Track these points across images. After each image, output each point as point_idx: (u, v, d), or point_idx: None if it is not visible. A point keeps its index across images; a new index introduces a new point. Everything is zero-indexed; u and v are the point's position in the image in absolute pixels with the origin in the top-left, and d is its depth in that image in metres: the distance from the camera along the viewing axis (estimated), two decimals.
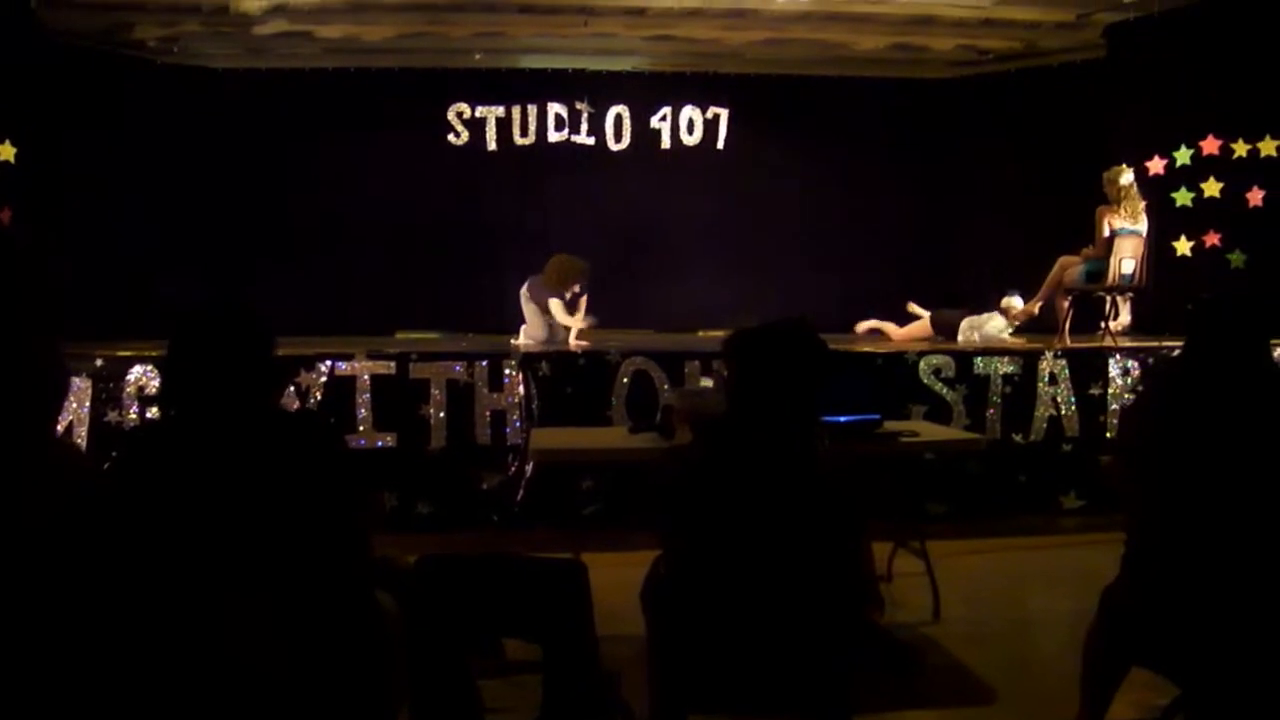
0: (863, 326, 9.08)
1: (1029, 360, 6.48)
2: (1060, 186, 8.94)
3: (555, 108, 10.46)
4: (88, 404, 5.83)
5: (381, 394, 6.04)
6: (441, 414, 6.07)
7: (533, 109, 10.46)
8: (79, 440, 5.69)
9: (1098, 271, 7.47)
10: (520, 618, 2.87)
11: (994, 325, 8.11)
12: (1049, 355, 6.50)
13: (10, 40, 7.86)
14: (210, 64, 9.95)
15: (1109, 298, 7.66)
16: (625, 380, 6.14)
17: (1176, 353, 6.35)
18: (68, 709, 2.07)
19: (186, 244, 9.40)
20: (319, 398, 6.03)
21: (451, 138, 10.38)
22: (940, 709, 3.55)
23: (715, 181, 10.47)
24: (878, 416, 4.43)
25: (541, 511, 5.95)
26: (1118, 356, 6.55)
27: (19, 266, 7.49)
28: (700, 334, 9.01)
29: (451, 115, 10.35)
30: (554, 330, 7.78)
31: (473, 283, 9.99)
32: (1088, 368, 6.50)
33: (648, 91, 10.58)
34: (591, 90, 10.49)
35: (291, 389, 5.94)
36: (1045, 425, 6.42)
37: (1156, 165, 8.50)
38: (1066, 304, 7.79)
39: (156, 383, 5.76)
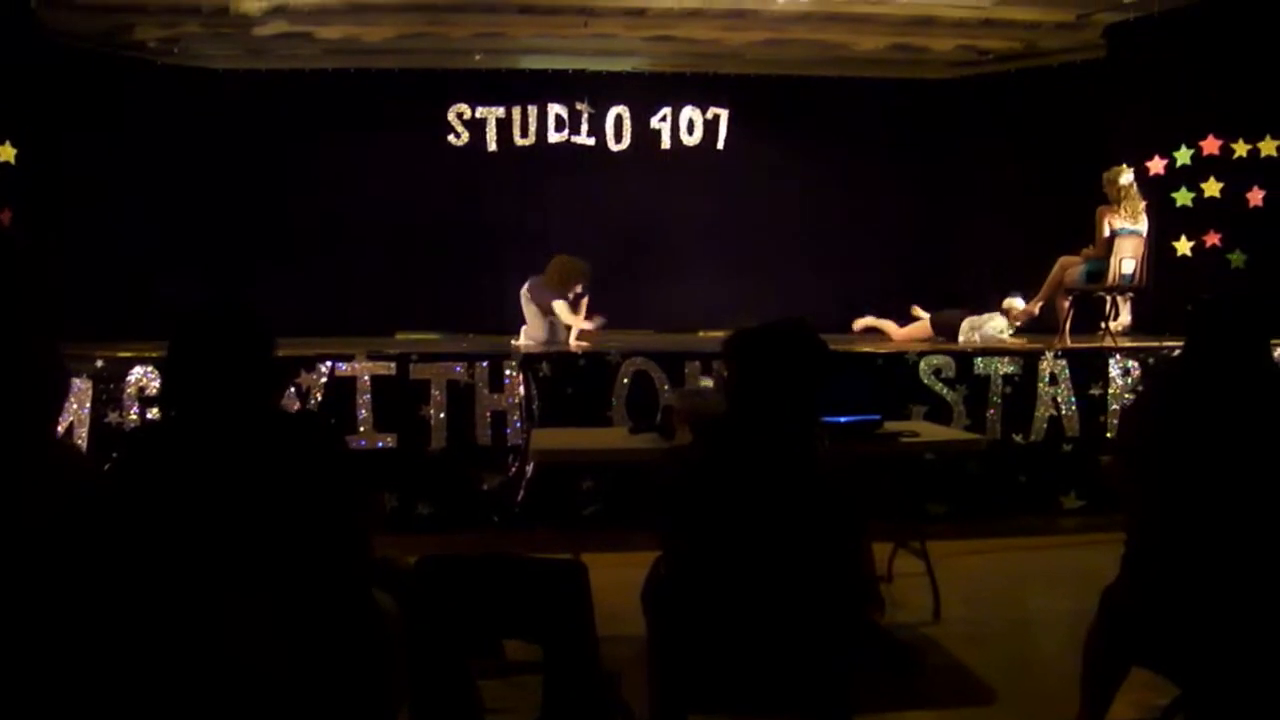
0: (860, 324, 9.06)
1: (1029, 360, 6.48)
2: (1060, 187, 8.94)
3: (555, 108, 10.46)
4: (88, 405, 5.83)
5: (382, 395, 6.04)
6: (442, 415, 6.07)
7: (533, 109, 10.45)
8: (79, 441, 5.70)
9: (1098, 272, 7.48)
10: (520, 618, 2.87)
11: (994, 326, 8.11)
12: (1049, 355, 6.50)
13: (10, 41, 7.86)
14: (210, 65, 9.94)
15: (1109, 298, 7.66)
16: (625, 381, 6.14)
17: (1177, 353, 6.35)
18: (68, 709, 2.07)
19: (187, 245, 9.40)
20: (319, 398, 6.03)
21: (452, 138, 10.38)
22: (940, 709, 3.55)
23: (715, 182, 10.46)
24: (878, 417, 4.43)
25: (542, 512, 5.95)
26: (1118, 357, 6.55)
27: (19, 268, 7.53)
28: (700, 334, 9.01)
29: (452, 116, 10.35)
30: (555, 331, 7.78)
31: (473, 283, 9.99)
32: (1088, 368, 6.50)
33: (648, 92, 10.58)
34: (591, 91, 10.49)
35: (292, 390, 5.94)
36: (1045, 425, 6.42)
37: (1157, 165, 8.50)
38: (1067, 304, 7.79)
39: (157, 384, 5.75)
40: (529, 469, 5.99)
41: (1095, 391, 6.46)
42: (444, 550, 3.08)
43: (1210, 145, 8.26)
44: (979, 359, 6.46)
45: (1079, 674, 2.92)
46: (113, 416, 5.85)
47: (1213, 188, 8.27)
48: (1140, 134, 8.63)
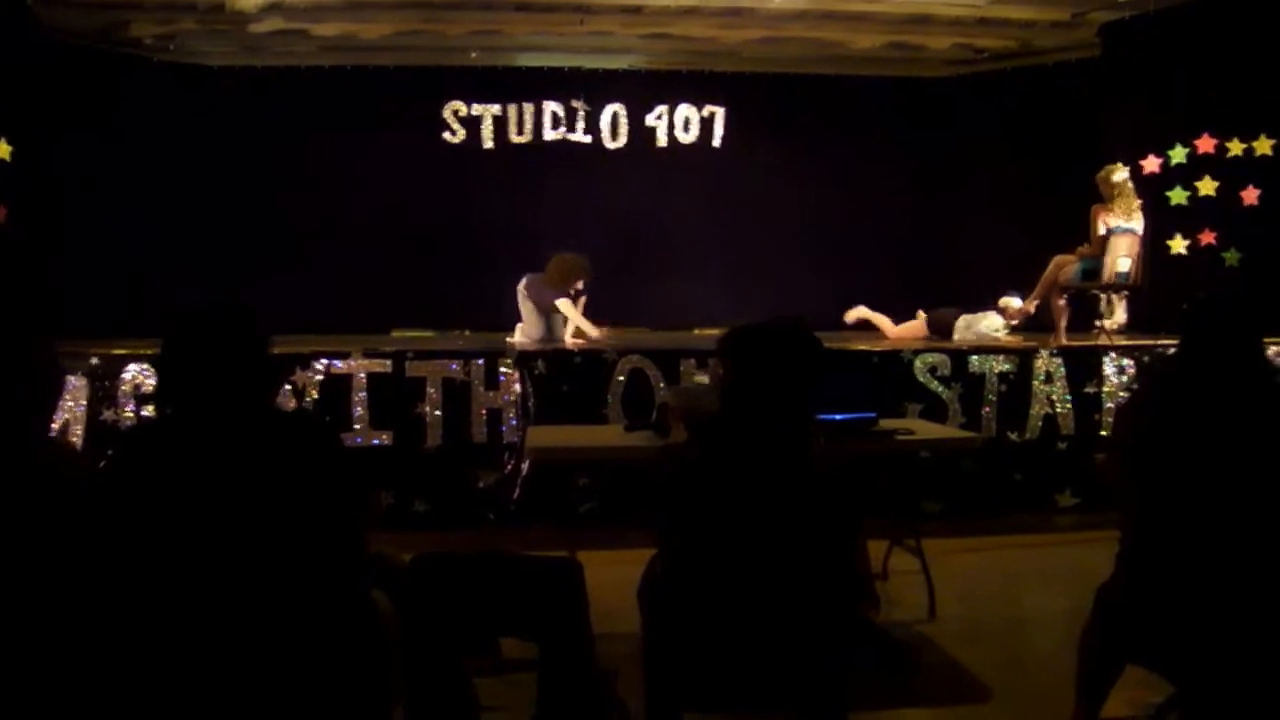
0: (853, 315, 8.99)
1: (1024, 358, 6.48)
2: (1056, 185, 8.94)
3: (551, 106, 10.47)
4: (84, 402, 5.82)
5: (378, 392, 6.04)
6: (438, 412, 6.07)
7: (529, 107, 10.46)
8: (75, 439, 5.69)
9: (1093, 270, 7.49)
10: (516, 616, 2.87)
11: (988, 324, 8.11)
12: (1044, 353, 6.51)
13: (6, 38, 7.85)
14: (206, 62, 9.94)
15: (1104, 296, 7.68)
16: (621, 378, 6.15)
17: (1172, 351, 6.36)
18: (64, 709, 2.07)
19: (182, 241, 9.39)
20: (315, 396, 6.02)
21: (447, 136, 10.38)
22: (935, 707, 3.55)
23: (711, 180, 10.47)
24: (873, 415, 4.43)
25: (537, 509, 5.95)
26: (1113, 355, 6.56)
27: (13, 264, 7.51)
28: (696, 332, 9.01)
29: (447, 113, 10.35)
30: (552, 328, 7.77)
31: (469, 281, 9.97)
32: (1083, 366, 6.51)
33: (644, 90, 10.58)
34: (588, 88, 10.49)
35: (288, 387, 5.94)
36: (1041, 423, 6.43)
37: (1152, 164, 8.51)
38: (1062, 302, 7.80)
39: (152, 381, 5.74)
40: (525, 466, 5.99)
41: (1090, 390, 6.47)
42: (440, 547, 3.09)
43: (1205, 144, 8.28)
44: (974, 357, 6.46)
45: (1074, 671, 2.92)
46: (108, 414, 5.85)
47: (1208, 186, 8.29)
48: (1135, 132, 8.64)
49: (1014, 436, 6.41)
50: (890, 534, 4.83)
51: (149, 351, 5.90)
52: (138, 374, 5.87)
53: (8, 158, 7.86)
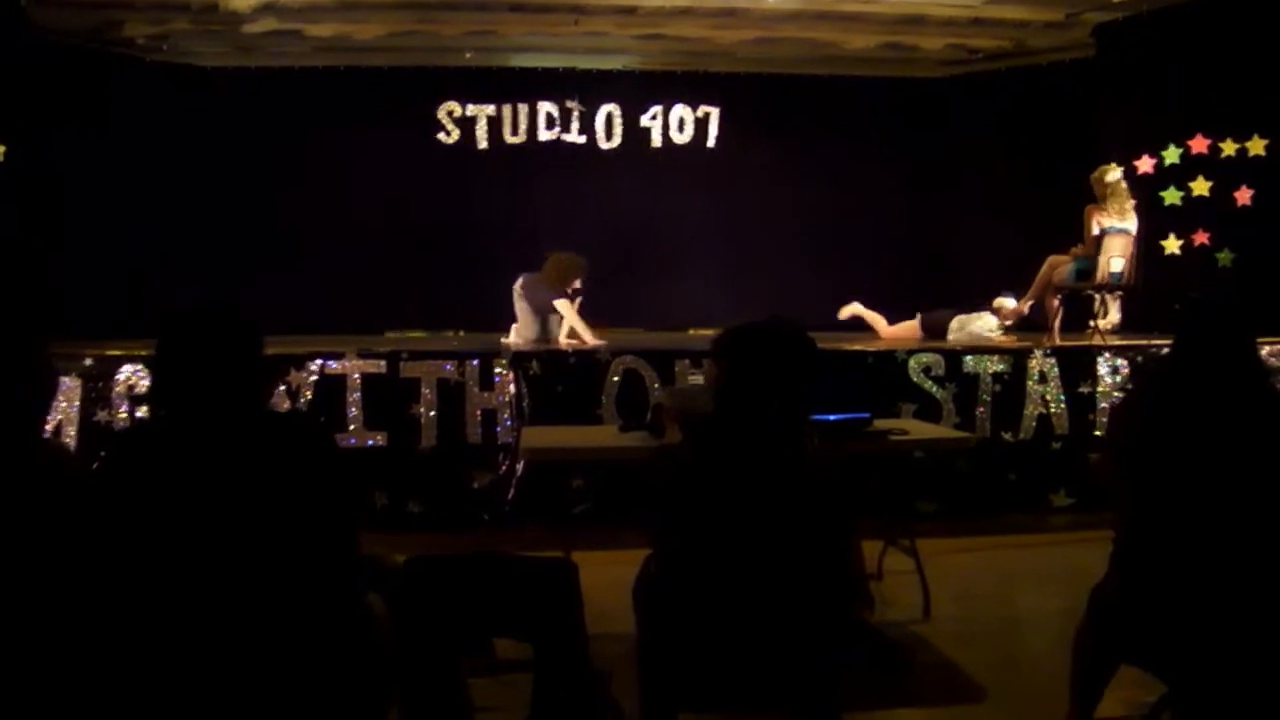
0: (847, 311, 8.99)
1: (1019, 359, 6.49)
2: (1050, 185, 8.95)
3: (546, 106, 10.46)
4: (77, 403, 5.81)
5: (372, 393, 6.03)
6: (432, 413, 6.07)
7: (523, 107, 10.46)
8: (68, 440, 5.68)
9: (1087, 270, 7.50)
10: (510, 617, 2.87)
11: (981, 324, 8.12)
12: (1039, 354, 6.52)
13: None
14: (199, 62, 9.92)
15: (1098, 296, 7.68)
16: (616, 379, 6.14)
17: (1165, 351, 6.36)
18: (61, 709, 2.07)
19: (176, 242, 9.37)
20: (309, 397, 6.01)
21: (442, 136, 10.37)
22: (930, 707, 3.56)
23: (706, 180, 10.47)
24: (867, 415, 4.42)
25: (532, 510, 5.95)
26: (1107, 355, 6.57)
27: (7, 265, 7.50)
28: (691, 332, 9.01)
29: (442, 114, 10.34)
30: (547, 329, 7.76)
31: (463, 281, 9.96)
32: (1077, 366, 6.51)
33: (638, 90, 10.58)
34: (582, 89, 10.49)
35: (282, 388, 5.93)
36: (1035, 423, 6.43)
37: (1145, 164, 8.52)
38: (1056, 303, 7.81)
39: (146, 382, 5.73)
40: (519, 467, 5.99)
41: (1084, 389, 6.48)
42: (434, 548, 3.09)
43: (1199, 144, 8.29)
44: (968, 357, 6.47)
45: (1068, 671, 2.93)
46: (102, 415, 5.84)
47: (1201, 187, 8.30)
48: (1129, 133, 8.65)
49: (1008, 436, 6.41)
50: (885, 534, 4.84)
51: (143, 352, 5.90)
52: (131, 375, 5.86)
53: (1, 158, 7.84)
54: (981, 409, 6.40)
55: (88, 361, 5.88)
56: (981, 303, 8.33)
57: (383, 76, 10.12)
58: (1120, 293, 7.90)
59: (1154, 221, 8.26)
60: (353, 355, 6.09)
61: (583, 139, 10.52)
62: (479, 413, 6.11)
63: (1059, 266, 7.80)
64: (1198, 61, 8.14)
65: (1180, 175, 8.39)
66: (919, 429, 4.94)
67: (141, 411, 5.75)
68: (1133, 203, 7.62)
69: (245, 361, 2.31)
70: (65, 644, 2.08)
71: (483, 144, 10.41)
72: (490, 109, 10.41)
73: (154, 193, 9.27)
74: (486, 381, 6.12)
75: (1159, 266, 8.30)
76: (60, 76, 8.57)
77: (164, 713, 2.08)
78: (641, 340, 8.09)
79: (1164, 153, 8.46)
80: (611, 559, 3.47)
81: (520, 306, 7.80)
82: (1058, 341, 7.25)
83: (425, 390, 6.07)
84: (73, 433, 5.78)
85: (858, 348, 6.78)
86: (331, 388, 6.01)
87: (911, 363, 6.39)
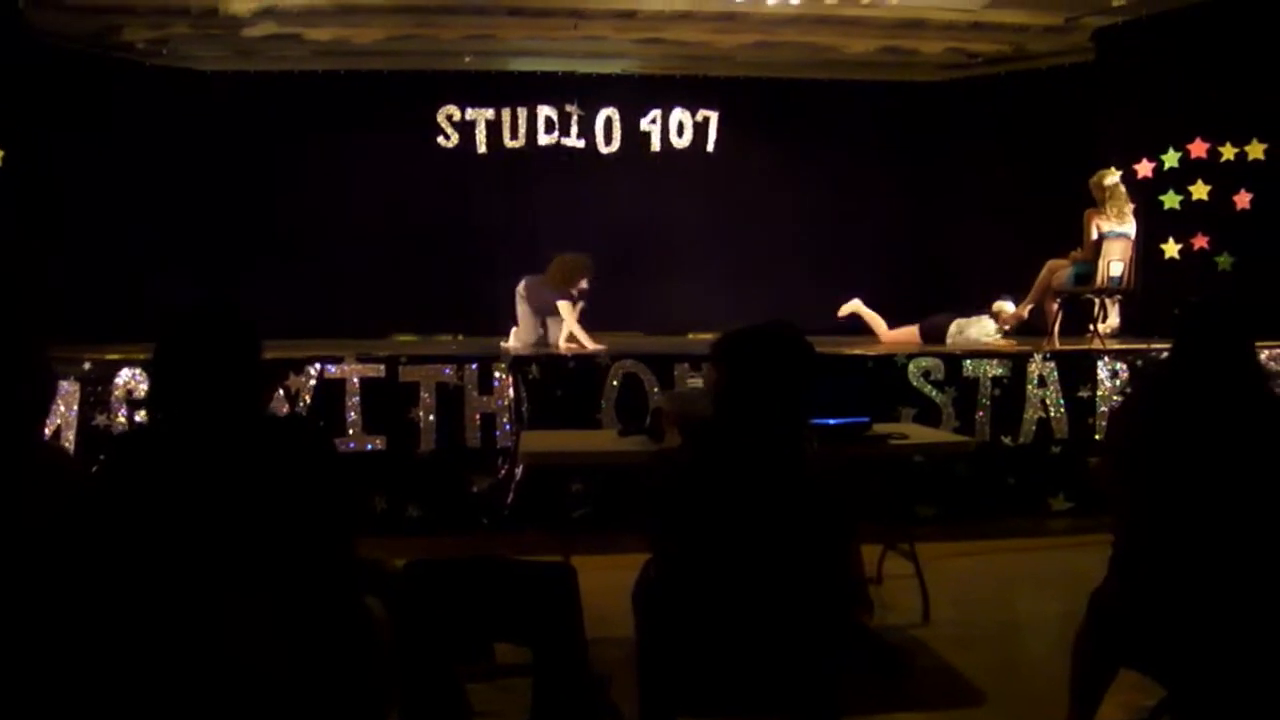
0: (847, 309, 8.96)
1: (1018, 363, 6.49)
2: (1049, 189, 8.95)
3: (545, 110, 10.46)
4: (75, 407, 5.81)
5: (371, 397, 6.03)
6: (431, 417, 6.06)
7: (523, 111, 10.45)
8: (67, 444, 5.67)
9: (1086, 274, 7.50)
10: (510, 621, 2.87)
11: (979, 329, 8.12)
12: (1038, 358, 6.52)
13: None
14: (199, 66, 9.92)
15: (1098, 300, 7.68)
16: (615, 383, 6.15)
17: (1165, 355, 6.37)
18: (60, 711, 2.07)
19: (176, 246, 9.36)
20: (308, 401, 6.01)
21: (441, 140, 10.36)
22: (929, 711, 3.55)
23: (705, 184, 10.46)
24: (867, 419, 4.42)
25: (531, 514, 5.95)
26: (1106, 359, 6.58)
27: (7, 270, 7.50)
28: (690, 336, 9.01)
29: (441, 118, 10.34)
30: (547, 332, 7.75)
31: (462, 286, 9.97)
32: (1076, 370, 6.52)
33: (637, 94, 10.58)
34: (581, 93, 10.49)
35: (281, 392, 5.93)
36: (1034, 427, 6.44)
37: (1145, 168, 8.53)
38: (1055, 307, 7.81)
39: (145, 386, 5.73)
40: (518, 471, 5.99)
41: (1084, 393, 6.48)
42: (433, 552, 3.09)
43: (1198, 148, 8.29)
44: (968, 361, 6.47)
45: (1067, 676, 2.92)
46: (100, 419, 5.83)
47: (1200, 190, 8.30)
48: (1128, 137, 8.65)
49: (1008, 441, 6.41)
50: (884, 538, 4.84)
51: (142, 356, 5.89)
52: (130, 379, 5.86)
53: (1, 162, 7.84)
54: (981, 413, 6.40)
55: (86, 366, 5.88)
56: (981, 307, 8.33)
57: (382, 80, 10.11)
58: (1119, 297, 7.90)
59: (1153, 225, 8.26)
60: (352, 359, 6.09)
61: (582, 143, 10.52)
62: (478, 417, 6.11)
63: (1058, 270, 7.81)
64: (1197, 65, 8.14)
65: (1179, 179, 8.39)
66: (918, 433, 4.95)
67: (140, 416, 5.75)
68: (1132, 207, 7.62)
69: (244, 365, 2.30)
70: (65, 647, 2.08)
71: (482, 148, 10.40)
72: (489, 113, 10.41)
73: (154, 197, 9.27)
74: (486, 385, 6.12)
75: (1158, 270, 8.30)
76: (60, 81, 8.57)
77: (164, 717, 2.08)
78: (641, 344, 8.09)
79: (1163, 156, 8.46)
80: (611, 563, 3.47)
81: (521, 309, 7.79)
82: (1057, 345, 7.25)
83: (424, 394, 6.07)
84: (71, 437, 5.78)
85: (857, 352, 6.78)
86: (331, 392, 6.01)
87: (911, 367, 6.40)
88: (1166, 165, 8.45)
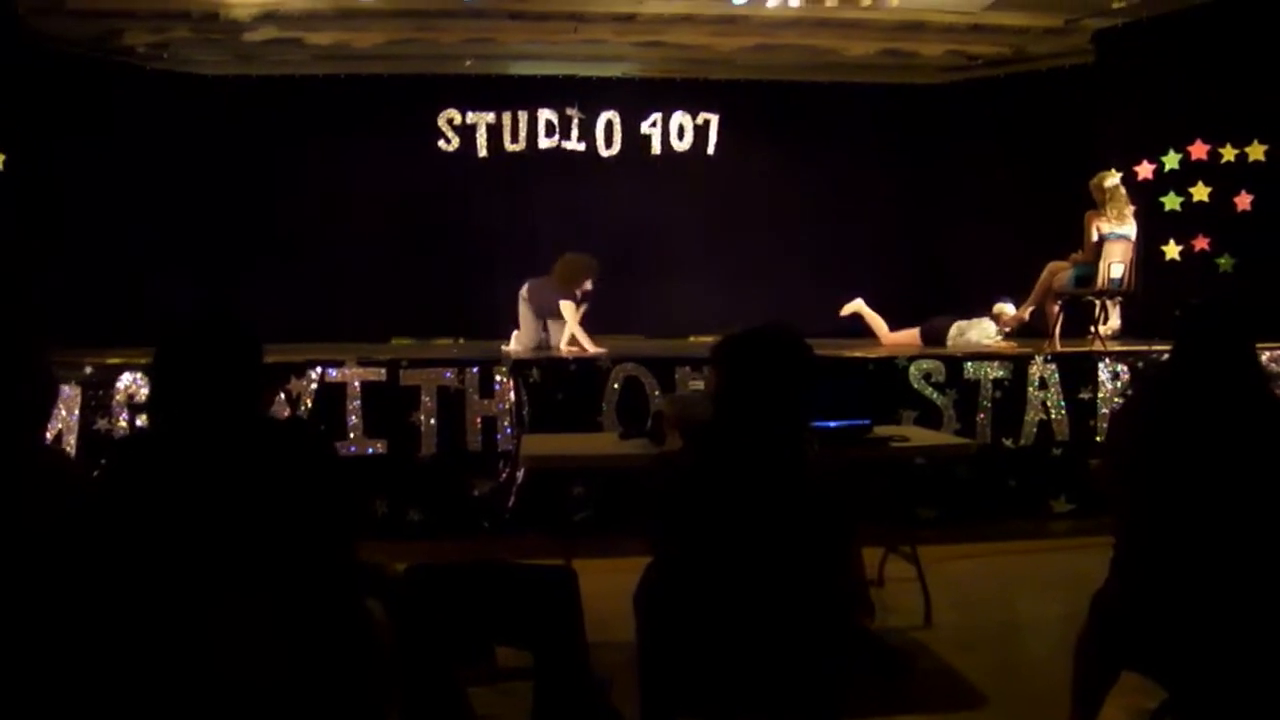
0: (849, 309, 8.93)
1: (1019, 365, 6.49)
2: (1050, 191, 8.96)
3: (546, 114, 10.48)
4: (77, 412, 5.81)
5: (372, 401, 6.03)
6: (432, 421, 6.06)
7: (523, 115, 10.47)
8: (68, 448, 5.68)
9: (1087, 276, 7.50)
10: (511, 625, 2.87)
11: (979, 331, 8.11)
12: (1039, 360, 6.52)
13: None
14: (200, 70, 9.93)
15: (1098, 302, 7.68)
16: (616, 386, 6.14)
17: (1165, 357, 6.36)
18: (60, 716, 2.07)
19: (177, 251, 9.38)
20: (309, 404, 6.01)
21: (442, 144, 10.38)
22: (931, 713, 3.55)
23: (705, 187, 10.47)
24: (868, 421, 4.42)
25: (532, 518, 5.94)
26: (1107, 361, 6.57)
27: (8, 274, 7.51)
28: (691, 339, 9.01)
29: (442, 121, 10.36)
30: (549, 335, 7.74)
31: (463, 289, 9.98)
32: (1077, 372, 6.51)
33: (638, 97, 10.60)
34: (582, 96, 10.50)
35: (282, 396, 5.93)
36: (1035, 430, 6.43)
37: (1145, 170, 8.54)
38: (1056, 309, 7.81)
39: (146, 391, 5.73)
40: (519, 475, 5.98)
41: (1085, 395, 6.48)
42: (434, 556, 3.09)
43: (1198, 150, 8.30)
44: (969, 363, 6.47)
45: (1069, 678, 2.92)
46: (102, 424, 5.83)
47: (1201, 192, 8.31)
48: (1128, 139, 8.66)
49: (1009, 443, 6.41)
50: (885, 540, 4.84)
51: (143, 361, 5.89)
52: (131, 383, 5.86)
53: (1, 167, 7.85)
54: (982, 415, 6.40)
55: (88, 370, 5.88)
56: (981, 309, 8.32)
57: (382, 84, 10.13)
58: (1120, 298, 7.89)
59: (1154, 227, 8.26)
60: (352, 363, 6.09)
61: (582, 146, 10.53)
62: (479, 420, 6.10)
63: (1059, 272, 7.81)
64: (1197, 67, 8.15)
65: (1180, 181, 8.40)
66: (919, 435, 4.94)
67: (141, 420, 5.75)
68: (1132, 208, 7.62)
69: (244, 369, 2.31)
70: (64, 651, 2.08)
71: (483, 151, 10.42)
72: (490, 116, 10.42)
73: (154, 201, 9.29)
74: (487, 389, 6.12)
75: (1159, 272, 8.30)
76: (61, 85, 8.60)
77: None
78: (642, 347, 8.08)
79: (1164, 158, 8.47)
80: (612, 566, 3.46)
81: (524, 312, 7.78)
82: (1058, 347, 7.25)
83: (425, 398, 6.07)
84: (73, 441, 5.78)
85: (858, 354, 6.78)
86: (331, 395, 6.01)
87: (912, 369, 6.39)
88: (1167, 167, 8.46)
